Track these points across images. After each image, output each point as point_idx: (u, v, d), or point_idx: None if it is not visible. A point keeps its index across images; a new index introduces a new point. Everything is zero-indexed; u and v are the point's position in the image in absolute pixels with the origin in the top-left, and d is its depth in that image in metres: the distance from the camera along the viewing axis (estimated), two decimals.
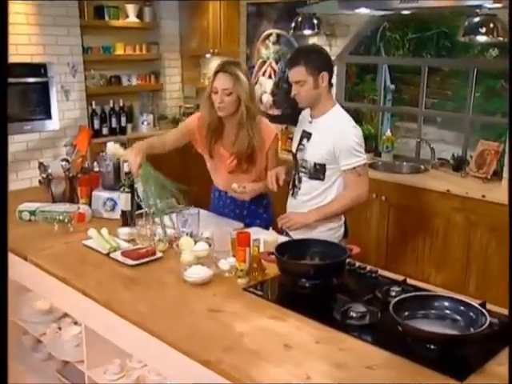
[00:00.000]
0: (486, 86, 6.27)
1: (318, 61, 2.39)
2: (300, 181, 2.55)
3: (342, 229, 2.58)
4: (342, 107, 2.53)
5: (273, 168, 2.61)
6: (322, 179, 2.48)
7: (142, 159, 2.33)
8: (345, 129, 2.42)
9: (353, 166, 2.41)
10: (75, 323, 2.55)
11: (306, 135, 2.51)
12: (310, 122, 2.49)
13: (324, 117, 2.47)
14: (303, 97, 2.42)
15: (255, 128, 2.51)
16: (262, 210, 2.80)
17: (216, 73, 2.45)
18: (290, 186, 2.62)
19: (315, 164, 2.47)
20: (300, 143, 2.54)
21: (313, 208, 2.49)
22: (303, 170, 2.53)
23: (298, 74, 2.38)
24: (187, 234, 2.34)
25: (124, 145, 2.88)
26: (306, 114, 2.59)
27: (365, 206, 4.05)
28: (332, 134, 2.41)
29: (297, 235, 2.50)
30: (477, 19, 3.32)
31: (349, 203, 2.48)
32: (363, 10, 3.97)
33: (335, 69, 4.82)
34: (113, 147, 2.54)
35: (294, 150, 2.59)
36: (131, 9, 5.45)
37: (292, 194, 2.62)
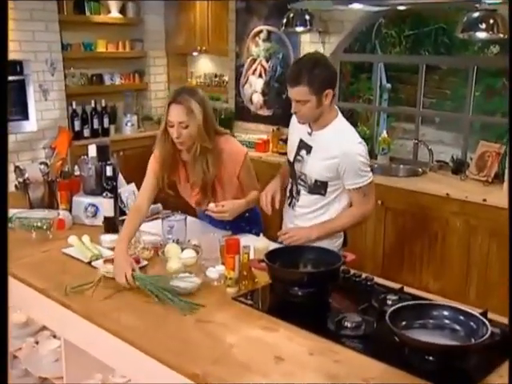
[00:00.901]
0: (487, 85, 6.32)
1: (322, 77, 2.27)
2: (298, 193, 2.51)
3: (342, 238, 2.57)
4: (341, 111, 2.50)
5: (250, 187, 2.57)
6: (324, 194, 2.44)
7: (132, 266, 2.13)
8: (351, 148, 2.34)
9: (359, 186, 2.38)
10: (54, 337, 2.54)
11: (305, 147, 2.44)
12: (310, 134, 2.43)
13: (326, 130, 2.40)
14: (304, 115, 2.35)
15: (211, 160, 2.43)
16: (249, 226, 2.71)
17: (169, 104, 2.36)
18: (288, 195, 2.58)
19: (316, 181, 2.43)
20: (298, 154, 2.48)
21: (316, 223, 2.46)
22: (302, 183, 2.48)
23: (300, 93, 2.28)
24: (173, 241, 2.34)
25: (107, 148, 2.89)
26: (296, 121, 2.52)
27: None
28: (337, 152, 2.33)
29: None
30: (476, 14, 3.32)
31: (353, 221, 2.47)
32: (357, 6, 4.00)
33: None
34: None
35: (290, 159, 2.53)
36: (113, 3, 5.45)
37: (289, 204, 2.58)
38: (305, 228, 2.47)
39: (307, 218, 2.50)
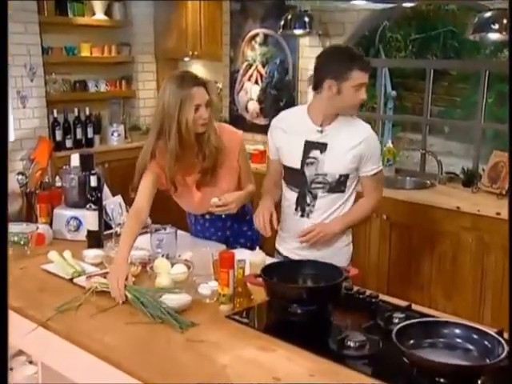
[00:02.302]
0: (499, 91, 6.35)
1: None
2: (315, 197, 2.53)
3: (352, 249, 2.67)
4: None
5: (247, 177, 2.70)
6: (343, 191, 2.52)
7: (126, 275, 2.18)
8: (370, 131, 2.51)
9: (375, 172, 2.51)
10: (30, 362, 2.53)
11: (317, 146, 2.47)
12: (321, 131, 2.47)
13: (337, 122, 2.48)
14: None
15: (215, 141, 2.55)
16: (246, 227, 2.82)
17: (190, 88, 2.43)
18: (295, 207, 2.58)
19: (340, 176, 2.49)
20: (307, 157, 2.50)
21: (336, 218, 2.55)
22: (319, 185, 2.50)
23: (366, 77, 2.41)
24: (163, 256, 2.34)
25: (91, 157, 2.90)
26: (287, 123, 2.56)
27: (363, 225, 4.10)
28: (361, 138, 2.45)
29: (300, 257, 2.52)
30: (488, 14, 3.32)
31: (370, 211, 2.64)
32: (360, 2, 4.02)
33: None
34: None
35: (295, 166, 2.53)
36: (98, 4, 5.48)
37: (302, 215, 2.58)
38: (327, 223, 2.53)
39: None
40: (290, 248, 2.62)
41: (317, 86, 2.45)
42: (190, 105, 2.42)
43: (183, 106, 2.42)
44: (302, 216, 2.56)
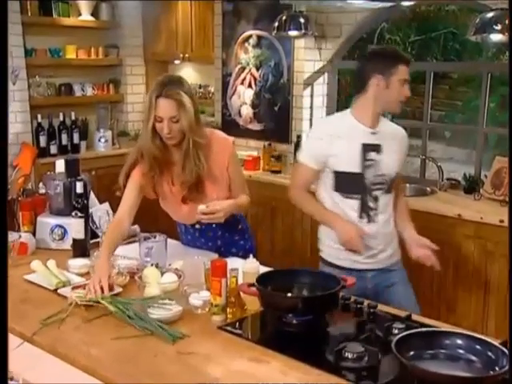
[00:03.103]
0: (502, 95, 6.38)
1: None
2: (376, 200, 2.64)
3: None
4: None
5: (239, 187, 2.69)
6: (392, 190, 2.71)
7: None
8: (403, 131, 2.76)
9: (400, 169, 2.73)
10: (11, 379, 2.50)
11: (373, 148, 2.59)
12: (374, 133, 2.61)
13: (382, 123, 2.67)
14: None
15: (203, 155, 2.53)
16: (237, 236, 2.81)
17: (156, 98, 2.42)
18: (358, 214, 2.62)
19: (396, 174, 2.69)
20: (365, 159, 2.59)
21: (406, 225, 2.79)
22: (379, 186, 2.63)
23: (408, 73, 2.59)
24: (152, 265, 2.33)
25: (77, 162, 2.90)
26: (338, 129, 2.62)
27: None
28: (401, 136, 2.72)
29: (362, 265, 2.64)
30: (490, 14, 3.33)
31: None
32: (357, 2, 4.03)
33: (325, 76, 4.92)
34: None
35: (355, 170, 2.60)
36: (85, 5, 5.49)
37: (369, 221, 2.63)
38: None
39: (389, 223, 2.71)
40: (357, 259, 2.64)
41: (363, 85, 2.59)
42: (150, 114, 2.43)
43: (148, 114, 2.45)
44: (369, 222, 2.64)
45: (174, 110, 2.41)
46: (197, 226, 2.75)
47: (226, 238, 2.79)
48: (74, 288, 2.23)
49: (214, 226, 2.71)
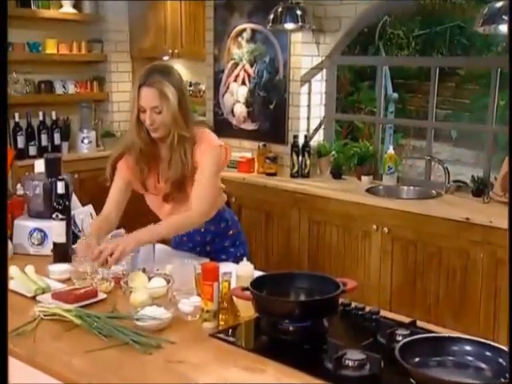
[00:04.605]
0: None
1: None
2: None
3: None
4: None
5: (198, 192, 2.54)
6: None
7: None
8: None
9: None
10: None
11: None
12: None
13: None
14: None
15: (190, 150, 2.53)
16: (228, 243, 2.81)
17: (139, 87, 2.45)
18: None
19: None
20: None
21: None
22: None
23: None
24: (139, 270, 2.33)
25: (58, 161, 2.89)
26: None
27: (361, 239, 4.12)
28: None
29: None
30: (500, 4, 3.32)
31: None
32: None
33: (323, 72, 4.94)
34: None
35: None
36: None
37: None
38: None
39: None
40: None
41: None
42: (135, 104, 2.47)
43: (132, 103, 2.50)
44: None
45: (157, 99, 2.42)
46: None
47: (215, 243, 2.79)
48: (53, 296, 2.23)
49: (202, 230, 2.72)
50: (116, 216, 2.56)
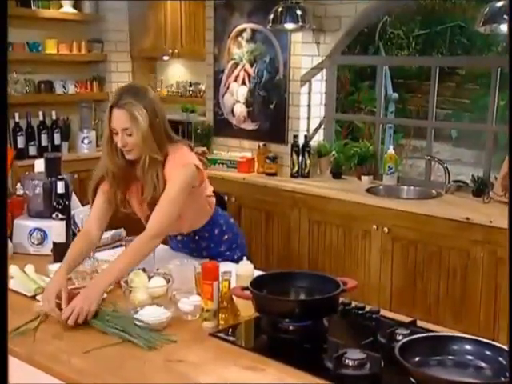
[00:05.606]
0: None
1: None
2: None
3: None
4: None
5: (156, 212, 2.42)
6: None
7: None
8: None
9: None
10: None
11: None
12: None
13: None
14: None
15: (161, 173, 2.46)
16: (223, 247, 2.78)
17: (111, 108, 2.41)
18: None
19: None
20: None
21: None
22: None
23: None
24: (139, 269, 2.33)
25: (58, 160, 2.90)
26: None
27: (361, 240, 4.12)
28: None
29: None
30: (500, 3, 3.31)
31: None
32: None
33: (323, 72, 4.94)
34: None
35: None
36: None
37: None
38: None
39: None
40: None
41: None
42: (106, 126, 2.44)
43: (104, 125, 2.46)
44: None
45: (127, 121, 2.37)
46: (179, 238, 2.75)
47: (211, 249, 2.76)
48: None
49: (196, 238, 2.72)
50: (98, 231, 2.50)
